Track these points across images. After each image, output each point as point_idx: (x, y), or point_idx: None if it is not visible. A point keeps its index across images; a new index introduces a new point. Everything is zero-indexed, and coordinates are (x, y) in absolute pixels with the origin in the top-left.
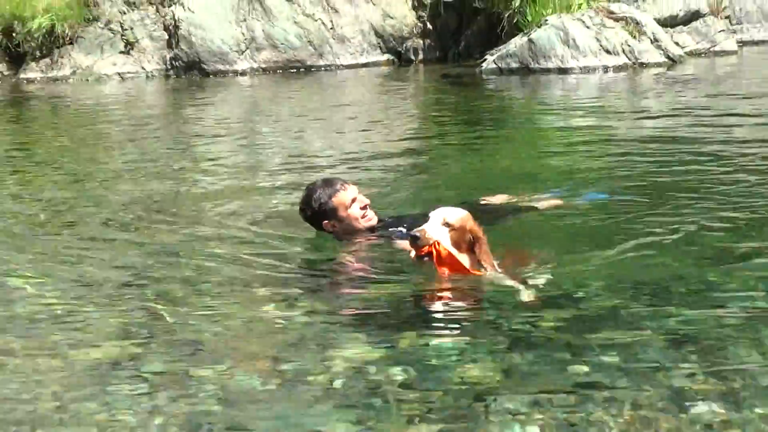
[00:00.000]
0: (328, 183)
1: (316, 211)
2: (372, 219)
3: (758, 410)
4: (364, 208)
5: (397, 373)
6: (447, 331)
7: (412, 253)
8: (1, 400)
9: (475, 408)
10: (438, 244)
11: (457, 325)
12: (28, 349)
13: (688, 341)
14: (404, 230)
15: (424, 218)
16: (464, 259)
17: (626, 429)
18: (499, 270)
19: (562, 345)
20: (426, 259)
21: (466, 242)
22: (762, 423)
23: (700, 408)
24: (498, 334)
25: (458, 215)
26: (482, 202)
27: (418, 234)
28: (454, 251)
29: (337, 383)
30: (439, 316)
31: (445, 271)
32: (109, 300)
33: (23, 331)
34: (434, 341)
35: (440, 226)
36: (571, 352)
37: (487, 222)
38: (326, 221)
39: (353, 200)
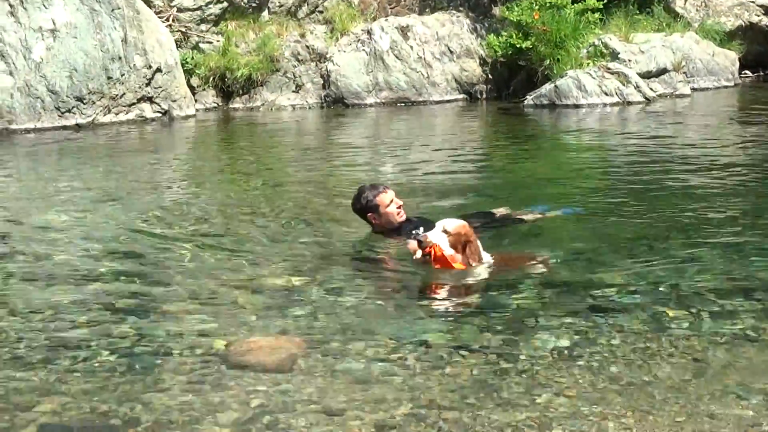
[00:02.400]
0: (374, 186)
1: (364, 206)
2: (403, 216)
3: None
4: (399, 207)
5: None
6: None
7: (418, 252)
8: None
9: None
10: (437, 246)
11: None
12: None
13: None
14: (422, 231)
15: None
16: (458, 257)
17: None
18: (488, 263)
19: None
20: (426, 257)
21: (461, 244)
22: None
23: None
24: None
25: (454, 225)
26: (494, 212)
27: (421, 238)
28: (451, 251)
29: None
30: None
31: (438, 266)
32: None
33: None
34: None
35: (440, 232)
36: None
37: (494, 227)
38: (370, 214)
39: (391, 201)
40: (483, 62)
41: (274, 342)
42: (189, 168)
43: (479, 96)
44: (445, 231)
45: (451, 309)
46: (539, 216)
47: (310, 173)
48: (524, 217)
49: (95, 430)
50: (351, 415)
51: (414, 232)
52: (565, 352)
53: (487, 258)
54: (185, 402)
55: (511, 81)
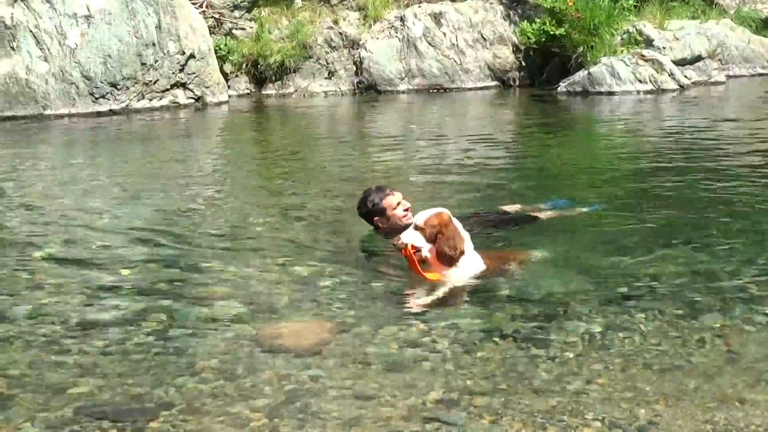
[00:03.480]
0: (380, 189)
1: (370, 210)
2: (410, 218)
3: None
4: (406, 210)
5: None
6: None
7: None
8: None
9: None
10: (410, 247)
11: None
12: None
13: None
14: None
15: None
16: (438, 263)
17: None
18: (470, 263)
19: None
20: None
21: (435, 236)
22: None
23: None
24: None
25: (424, 217)
26: (502, 209)
27: (394, 242)
28: (427, 254)
29: None
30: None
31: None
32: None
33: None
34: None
35: (412, 230)
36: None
37: (499, 226)
38: (377, 218)
39: (398, 203)
40: (516, 49)
41: (305, 326)
42: (221, 154)
43: (512, 83)
44: (417, 227)
45: (482, 295)
46: (554, 214)
47: (342, 160)
48: (539, 214)
49: (129, 412)
50: (382, 400)
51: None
52: (597, 338)
53: (473, 255)
54: (218, 386)
55: (545, 68)
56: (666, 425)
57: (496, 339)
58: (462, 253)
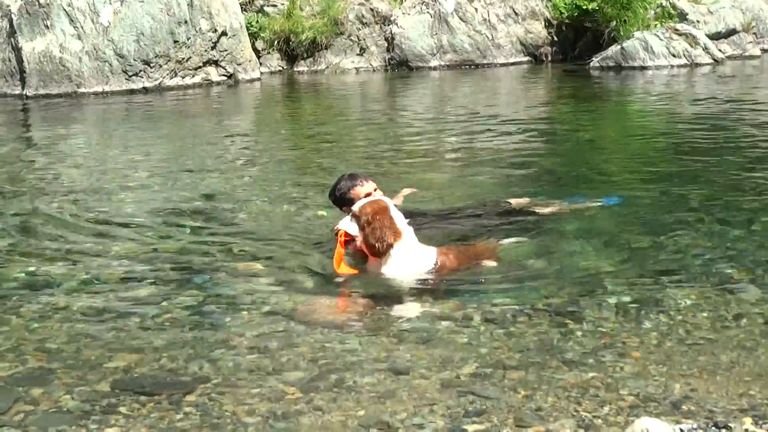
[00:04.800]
0: (351, 177)
1: (338, 198)
2: None
3: None
4: None
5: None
6: None
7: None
8: None
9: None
10: (342, 235)
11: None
12: None
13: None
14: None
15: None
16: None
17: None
18: (407, 250)
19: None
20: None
21: (364, 224)
22: None
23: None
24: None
25: (357, 206)
26: (507, 201)
27: (332, 229)
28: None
29: None
30: None
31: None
32: None
33: None
34: None
35: (349, 219)
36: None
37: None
38: (345, 207)
39: (367, 194)
40: (548, 24)
41: (340, 302)
42: (254, 132)
43: (544, 58)
44: (353, 215)
45: (515, 270)
46: (559, 209)
47: (373, 139)
48: (541, 210)
49: (166, 386)
50: (417, 373)
51: None
52: (631, 313)
53: (417, 249)
54: (253, 360)
55: (577, 43)
56: (701, 399)
57: (530, 314)
58: (389, 246)
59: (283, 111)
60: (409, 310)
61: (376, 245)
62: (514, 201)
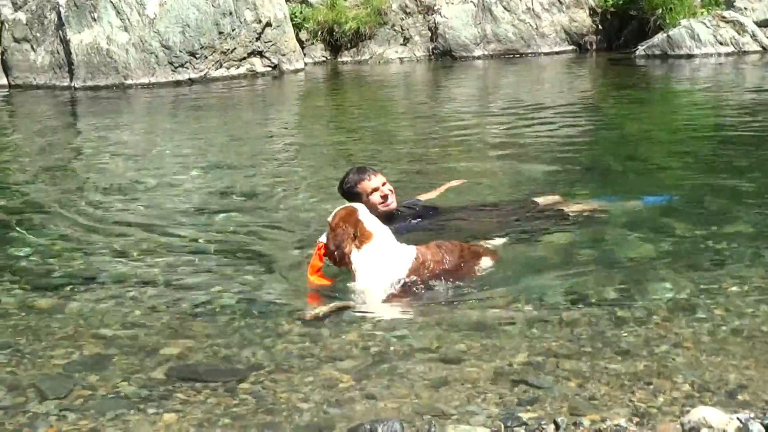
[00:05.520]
0: (360, 171)
1: (345, 192)
2: (391, 205)
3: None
4: (384, 197)
5: None
6: None
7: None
8: None
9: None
10: (321, 247)
11: None
12: None
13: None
14: (412, 221)
15: (426, 209)
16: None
17: None
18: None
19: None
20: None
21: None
22: None
23: None
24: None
25: (330, 216)
26: (534, 199)
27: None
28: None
29: None
30: None
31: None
32: None
33: None
34: None
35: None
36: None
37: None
38: (353, 202)
39: (375, 189)
40: (593, 12)
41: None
42: (298, 123)
43: (589, 47)
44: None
45: (565, 260)
46: (591, 207)
47: (417, 128)
48: (568, 208)
49: (220, 373)
50: (468, 362)
51: (407, 223)
52: (683, 303)
53: (399, 250)
54: (305, 348)
55: (622, 31)
56: (757, 389)
57: (581, 303)
58: (345, 254)
59: (327, 102)
60: (459, 300)
61: (335, 252)
62: (542, 199)
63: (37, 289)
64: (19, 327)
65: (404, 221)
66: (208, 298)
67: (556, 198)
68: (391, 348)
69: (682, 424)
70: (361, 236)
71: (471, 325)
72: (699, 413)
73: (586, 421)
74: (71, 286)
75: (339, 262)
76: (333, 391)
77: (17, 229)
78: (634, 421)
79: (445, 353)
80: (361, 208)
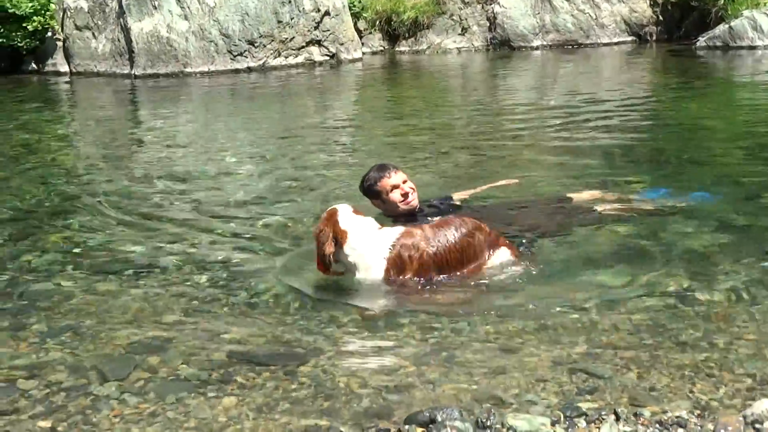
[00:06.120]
0: (380, 168)
1: (366, 190)
2: (412, 203)
3: None
4: (405, 194)
5: None
6: None
7: None
8: None
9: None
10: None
11: None
12: None
13: None
14: (431, 219)
15: (450, 207)
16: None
17: None
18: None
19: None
20: None
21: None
22: None
23: None
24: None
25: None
26: (568, 196)
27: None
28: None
29: None
30: None
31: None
32: None
33: None
34: None
35: None
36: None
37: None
38: (373, 200)
39: (395, 187)
40: (653, 3)
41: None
42: (354, 113)
43: (649, 38)
44: None
45: (625, 252)
46: (629, 207)
47: (473, 119)
48: (601, 207)
49: (280, 357)
50: (527, 351)
51: (427, 219)
52: (743, 294)
53: (379, 234)
54: (363, 335)
55: (683, 22)
56: None
57: (641, 294)
58: (326, 257)
59: (384, 92)
60: (517, 290)
61: (319, 258)
62: (575, 196)
63: (98, 274)
64: (81, 310)
65: (424, 220)
66: (266, 286)
67: (594, 194)
68: (449, 338)
69: (744, 417)
70: (338, 236)
71: (528, 315)
72: (762, 406)
73: (646, 412)
74: (131, 271)
75: (325, 269)
76: (391, 377)
77: (78, 215)
78: (695, 413)
79: (502, 342)
80: (341, 209)
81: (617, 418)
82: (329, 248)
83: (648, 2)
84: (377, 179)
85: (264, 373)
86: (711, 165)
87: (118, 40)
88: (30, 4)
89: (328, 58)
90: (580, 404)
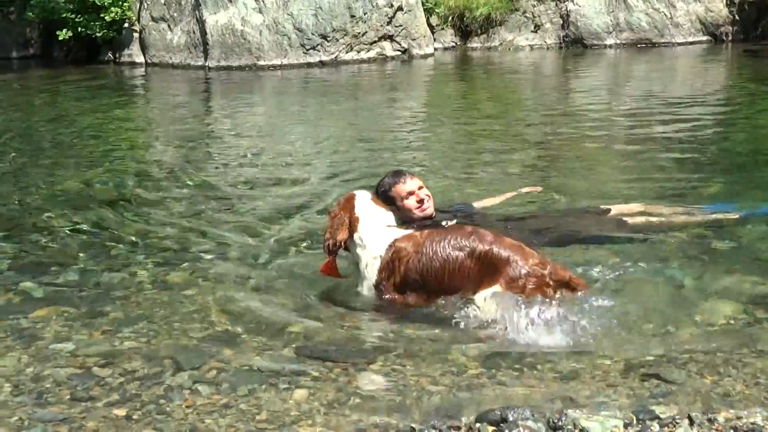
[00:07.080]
0: (395, 174)
1: (380, 196)
2: (427, 210)
3: None
4: (420, 201)
5: None
6: None
7: None
8: None
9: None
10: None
11: None
12: None
13: None
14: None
15: (466, 215)
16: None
17: None
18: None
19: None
20: None
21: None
22: None
23: None
24: None
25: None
26: (606, 208)
27: None
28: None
29: None
30: None
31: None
32: None
33: None
34: None
35: None
36: None
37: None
38: (389, 206)
39: (410, 193)
40: (729, 2)
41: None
42: (425, 110)
43: (724, 38)
44: None
45: (700, 254)
46: (665, 219)
47: (544, 119)
48: (632, 220)
49: (349, 354)
50: (599, 355)
51: (442, 223)
52: None
53: (381, 234)
54: (433, 335)
55: (759, 22)
56: None
57: (717, 300)
58: (335, 243)
59: (456, 89)
60: (588, 293)
61: (329, 241)
62: (615, 208)
63: (169, 264)
64: (154, 300)
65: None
66: (336, 282)
67: (636, 206)
68: (519, 339)
69: None
70: (352, 223)
71: (601, 319)
72: None
73: (720, 418)
74: (200, 262)
75: (330, 252)
76: (462, 376)
77: (148, 206)
78: None
79: (574, 345)
80: (359, 195)
81: (691, 423)
82: (342, 234)
83: (724, 2)
84: (392, 185)
85: (335, 369)
86: None
87: (193, 32)
88: None
89: (399, 53)
90: (653, 408)
